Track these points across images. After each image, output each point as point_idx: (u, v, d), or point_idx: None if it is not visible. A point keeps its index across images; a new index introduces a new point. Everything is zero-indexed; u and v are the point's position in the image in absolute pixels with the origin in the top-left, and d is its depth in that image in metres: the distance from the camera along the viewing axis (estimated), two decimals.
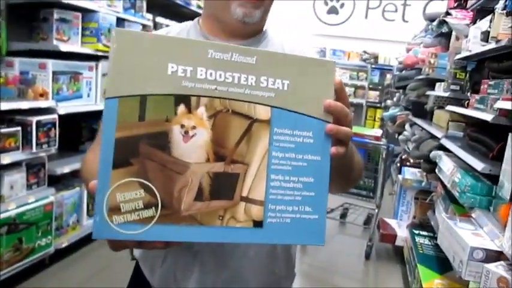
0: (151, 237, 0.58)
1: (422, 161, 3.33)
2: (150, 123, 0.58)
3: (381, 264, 3.42)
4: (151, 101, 0.58)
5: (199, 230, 0.59)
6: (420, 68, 4.31)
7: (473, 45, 2.46)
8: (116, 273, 2.33)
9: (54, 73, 2.79)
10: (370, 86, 10.50)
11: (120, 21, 3.39)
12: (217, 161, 0.61)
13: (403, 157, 4.32)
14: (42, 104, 2.65)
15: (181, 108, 0.59)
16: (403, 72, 5.56)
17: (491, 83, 2.24)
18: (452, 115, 2.92)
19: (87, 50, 3.06)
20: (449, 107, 2.85)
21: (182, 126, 0.59)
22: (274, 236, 0.62)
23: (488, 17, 2.31)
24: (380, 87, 10.24)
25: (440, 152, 2.79)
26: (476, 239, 1.75)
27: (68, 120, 2.97)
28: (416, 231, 3.20)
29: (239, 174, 0.61)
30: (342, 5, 9.80)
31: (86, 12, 3.07)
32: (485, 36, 2.27)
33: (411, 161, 3.96)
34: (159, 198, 0.58)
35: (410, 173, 3.71)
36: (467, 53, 2.58)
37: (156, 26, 4.18)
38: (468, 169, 2.21)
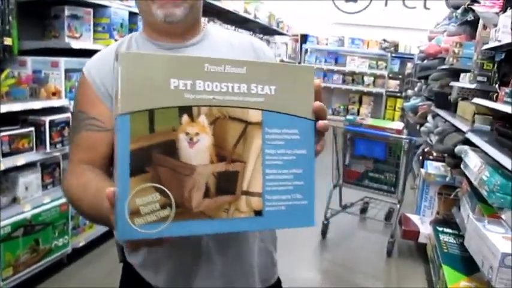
0: (169, 234, 0.65)
1: (446, 155, 3.20)
2: (159, 133, 0.66)
3: (403, 262, 3.31)
4: (158, 114, 0.66)
5: (209, 223, 0.69)
6: (443, 57, 4.15)
7: (502, 34, 2.32)
8: None
9: (66, 71, 2.74)
10: (390, 75, 10.26)
11: (133, 16, 3.32)
12: (220, 162, 0.70)
13: (426, 150, 4.18)
14: (55, 103, 2.61)
15: (185, 118, 0.67)
16: (425, 61, 5.38)
17: None
18: (479, 108, 2.78)
19: (99, 46, 3.00)
20: (476, 100, 2.72)
21: (187, 134, 0.68)
22: (273, 223, 0.73)
23: None
24: (400, 77, 10.00)
25: (466, 147, 2.66)
26: (507, 243, 1.64)
27: None
28: (440, 228, 3.08)
29: (239, 171, 0.70)
30: None
31: (98, 8, 3.01)
32: None
33: (434, 154, 3.82)
34: (172, 199, 0.66)
35: (434, 167, 3.57)
36: (496, 43, 2.43)
37: None
38: (497, 166, 2.09)
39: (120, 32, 3.15)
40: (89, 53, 3.07)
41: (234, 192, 0.70)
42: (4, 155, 2.31)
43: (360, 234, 3.85)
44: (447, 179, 3.34)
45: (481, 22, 3.07)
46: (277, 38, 8.48)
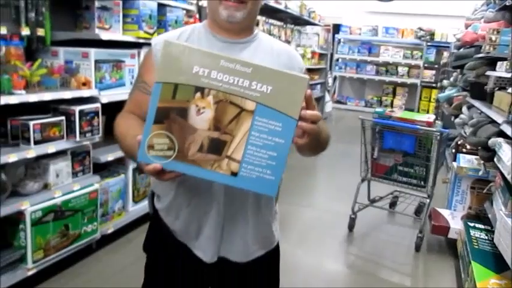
0: (169, 167, 0.96)
1: (479, 148, 3.08)
2: (178, 101, 0.94)
3: (432, 257, 3.23)
4: (180, 88, 0.93)
5: (197, 169, 0.96)
6: (480, 45, 3.98)
7: None
8: None
9: (96, 62, 2.80)
10: (426, 65, 9.97)
11: (161, 7, 3.35)
12: (215, 131, 0.95)
13: (459, 142, 4.04)
14: (84, 93, 2.67)
15: (198, 94, 0.94)
16: (461, 50, 5.17)
17: None
18: None
19: (128, 37, 3.06)
20: None
21: (196, 106, 0.94)
22: (243, 184, 0.96)
23: None
24: (436, 66, 9.69)
25: (500, 139, 2.54)
26: None
27: (112, 108, 2.99)
28: (472, 224, 2.98)
29: (227, 141, 0.95)
30: None
31: None
32: None
33: (467, 147, 3.69)
34: (176, 145, 0.95)
35: (466, 161, 3.45)
36: None
37: (201, 10, 4.09)
38: None
39: (148, 24, 3.18)
40: (117, 44, 3.13)
41: (220, 154, 0.95)
42: (36, 143, 2.39)
43: (388, 228, 3.78)
44: (480, 173, 3.22)
45: None
46: (308, 28, 8.37)
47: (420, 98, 10.07)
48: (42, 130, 2.42)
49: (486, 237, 2.76)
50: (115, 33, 3.00)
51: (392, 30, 10.22)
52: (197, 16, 3.99)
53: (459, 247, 3.02)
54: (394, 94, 10.56)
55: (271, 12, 6.14)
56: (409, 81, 10.19)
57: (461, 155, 3.57)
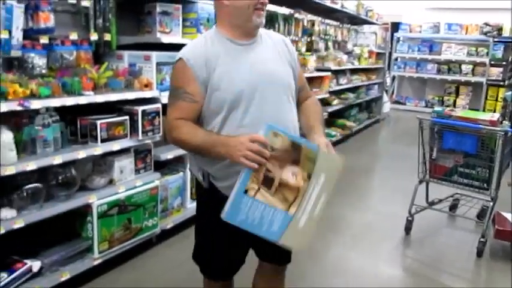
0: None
1: None
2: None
3: (495, 264, 3.07)
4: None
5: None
6: None
7: None
8: None
9: (157, 64, 2.94)
10: (492, 62, 9.43)
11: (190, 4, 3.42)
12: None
13: None
14: (147, 94, 2.82)
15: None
16: None
17: None
18: None
19: (187, 40, 3.17)
20: None
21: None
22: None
23: None
24: (504, 63, 9.13)
25: None
26: None
27: None
28: None
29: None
30: None
31: (186, 4, 3.18)
32: None
33: None
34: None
35: None
36: None
37: None
38: None
39: (206, 26, 3.29)
40: (177, 47, 3.26)
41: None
42: (102, 141, 2.55)
43: (447, 232, 3.64)
44: None
45: None
46: (365, 27, 8.21)
47: (486, 97, 9.54)
48: (108, 129, 2.59)
49: None
50: (175, 37, 3.13)
51: (455, 27, 9.77)
52: None
53: None
54: (457, 93, 10.09)
55: (327, 12, 6.10)
56: (474, 79, 9.69)
57: None
